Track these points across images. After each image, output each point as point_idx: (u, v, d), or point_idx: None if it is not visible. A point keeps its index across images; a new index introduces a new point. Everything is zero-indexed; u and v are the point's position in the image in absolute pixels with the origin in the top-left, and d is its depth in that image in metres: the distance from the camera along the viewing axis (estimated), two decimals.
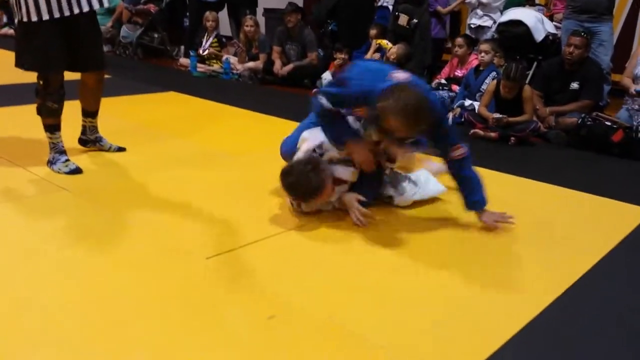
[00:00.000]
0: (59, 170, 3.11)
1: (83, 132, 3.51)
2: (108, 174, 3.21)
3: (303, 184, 2.55)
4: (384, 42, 5.81)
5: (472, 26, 6.00)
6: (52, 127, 3.17)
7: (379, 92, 2.38)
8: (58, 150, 3.18)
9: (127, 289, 2.01)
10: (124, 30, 7.72)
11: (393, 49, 5.58)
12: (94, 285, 2.02)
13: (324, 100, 2.59)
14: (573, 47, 4.63)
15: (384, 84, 2.41)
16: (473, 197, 2.67)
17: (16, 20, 2.95)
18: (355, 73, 2.59)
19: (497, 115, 4.40)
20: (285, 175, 2.61)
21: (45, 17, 2.87)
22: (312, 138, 2.78)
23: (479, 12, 5.91)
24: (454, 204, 2.97)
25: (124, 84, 5.76)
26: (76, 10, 2.94)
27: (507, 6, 5.87)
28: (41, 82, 3.04)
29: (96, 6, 3.02)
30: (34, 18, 2.86)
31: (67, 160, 3.17)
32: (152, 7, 7.64)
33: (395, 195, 2.91)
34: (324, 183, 2.58)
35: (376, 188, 2.88)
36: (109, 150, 3.52)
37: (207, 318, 1.86)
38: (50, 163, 3.16)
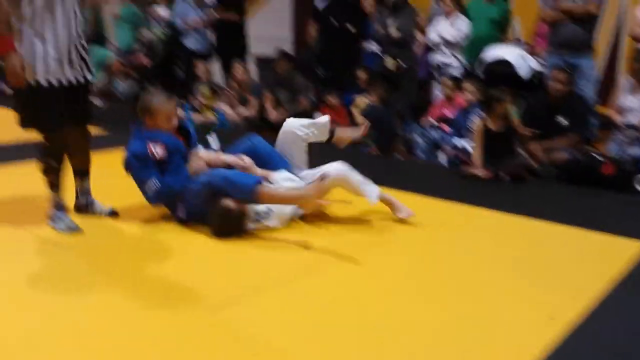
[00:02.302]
0: (59, 229, 3.16)
1: (76, 197, 3.47)
2: (109, 231, 3.25)
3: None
4: (360, 102, 5.95)
5: (439, 64, 6.14)
6: (54, 185, 3.21)
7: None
8: (58, 207, 3.23)
9: (128, 345, 2.05)
10: (118, 83, 7.85)
11: (369, 98, 5.71)
12: (97, 342, 2.06)
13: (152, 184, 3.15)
14: (557, 83, 4.76)
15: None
16: None
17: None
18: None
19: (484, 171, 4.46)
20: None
21: (55, 83, 3.02)
22: None
23: (445, 50, 6.06)
24: (433, 234, 3.04)
25: (120, 138, 5.83)
26: (81, 80, 3.15)
27: (475, 44, 5.99)
28: (43, 142, 3.13)
29: (90, 77, 3.22)
30: (44, 82, 2.99)
31: (67, 218, 3.23)
32: (144, 60, 7.79)
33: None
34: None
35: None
36: (100, 214, 3.43)
37: None
38: (51, 220, 3.22)
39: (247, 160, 3.36)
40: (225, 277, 2.69)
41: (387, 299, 2.50)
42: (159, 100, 3.23)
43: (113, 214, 3.45)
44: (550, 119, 4.84)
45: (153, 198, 3.22)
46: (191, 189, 3.17)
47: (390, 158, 5.41)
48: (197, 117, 6.87)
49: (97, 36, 8.56)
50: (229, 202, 3.07)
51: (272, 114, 6.47)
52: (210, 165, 3.32)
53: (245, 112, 6.66)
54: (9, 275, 2.68)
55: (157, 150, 3.15)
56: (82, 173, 3.44)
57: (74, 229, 3.17)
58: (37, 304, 2.38)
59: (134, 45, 8.03)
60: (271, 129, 6.26)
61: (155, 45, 7.78)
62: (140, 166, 3.15)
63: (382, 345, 2.12)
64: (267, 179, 3.29)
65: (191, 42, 7.60)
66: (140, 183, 3.21)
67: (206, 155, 3.42)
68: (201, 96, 7.03)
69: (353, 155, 5.38)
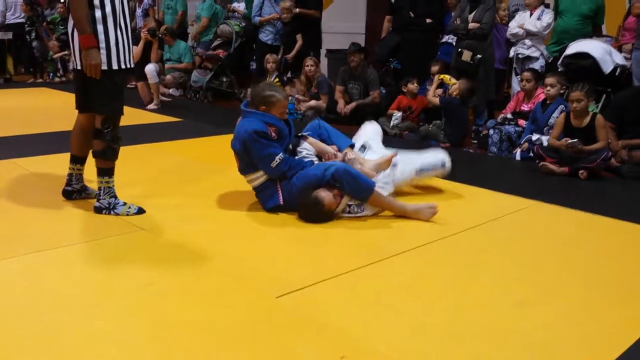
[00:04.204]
0: (127, 214, 3.20)
1: (68, 183, 3.41)
2: (176, 213, 3.30)
3: None
4: (447, 78, 5.84)
5: (520, 56, 5.92)
6: (111, 170, 3.21)
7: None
8: (113, 194, 3.23)
9: (197, 326, 2.07)
10: (195, 75, 8.07)
11: (455, 85, 5.61)
12: (167, 320, 2.11)
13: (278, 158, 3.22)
14: None
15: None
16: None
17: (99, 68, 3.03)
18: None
19: (570, 140, 4.29)
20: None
21: (131, 65, 3.15)
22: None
23: (527, 42, 5.84)
24: (503, 231, 2.93)
25: (195, 127, 6.03)
26: (130, 65, 3.20)
27: (562, 37, 5.73)
28: (111, 126, 3.13)
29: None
30: (123, 65, 3.10)
31: (125, 203, 3.24)
32: (221, 53, 7.97)
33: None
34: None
35: None
36: (93, 196, 3.34)
37: (276, 359, 1.90)
38: (108, 209, 3.20)
39: (338, 155, 3.47)
40: (296, 261, 2.70)
41: (450, 290, 2.45)
42: (279, 96, 3.30)
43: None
44: (638, 116, 4.57)
45: (278, 171, 3.25)
46: (307, 174, 3.24)
47: (462, 151, 5.29)
48: None
49: (182, 31, 8.86)
50: (323, 195, 3.14)
51: (341, 106, 6.48)
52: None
53: (313, 102, 6.69)
54: (94, 259, 2.79)
55: (272, 133, 3.25)
56: (81, 160, 3.39)
57: (141, 211, 3.22)
58: (123, 289, 2.47)
59: (213, 39, 8.25)
60: (339, 120, 6.29)
61: (231, 38, 7.96)
62: (265, 142, 3.21)
63: (439, 332, 2.07)
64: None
65: (266, 36, 7.72)
66: (263, 158, 3.22)
67: (312, 141, 3.50)
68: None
69: (423, 148, 5.32)
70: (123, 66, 3.11)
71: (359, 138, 3.82)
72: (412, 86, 6.03)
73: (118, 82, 3.13)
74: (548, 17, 5.75)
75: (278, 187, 3.29)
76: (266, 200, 3.35)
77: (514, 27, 5.94)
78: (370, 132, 3.90)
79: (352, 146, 3.58)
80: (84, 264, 2.60)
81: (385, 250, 2.81)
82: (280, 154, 3.22)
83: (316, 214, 3.17)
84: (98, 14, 2.98)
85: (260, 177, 3.32)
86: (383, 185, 3.39)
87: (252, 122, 3.25)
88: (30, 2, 10.24)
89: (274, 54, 7.36)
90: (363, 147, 3.73)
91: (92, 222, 3.13)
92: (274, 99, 3.28)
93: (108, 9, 3.00)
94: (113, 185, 3.24)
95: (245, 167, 3.36)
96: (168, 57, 8.03)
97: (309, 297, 2.32)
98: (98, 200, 3.24)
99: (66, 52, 9.61)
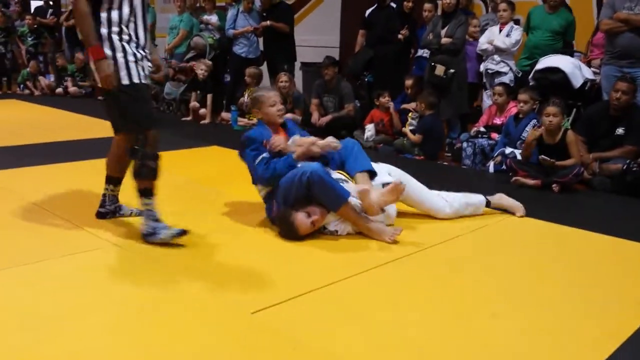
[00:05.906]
0: (170, 236, 2.93)
1: (102, 204, 3.32)
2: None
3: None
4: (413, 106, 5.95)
5: (489, 72, 6.01)
6: (150, 191, 2.97)
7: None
8: (155, 218, 2.96)
9: (174, 345, 2.03)
10: (168, 87, 8.00)
11: (419, 104, 5.67)
12: (140, 336, 2.06)
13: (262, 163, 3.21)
14: (620, 93, 4.58)
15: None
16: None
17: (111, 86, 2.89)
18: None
19: (543, 156, 4.36)
20: None
21: (146, 81, 3.01)
22: None
23: (496, 57, 5.92)
24: (475, 242, 2.94)
25: (167, 140, 5.94)
26: (149, 81, 3.10)
27: (533, 52, 5.80)
28: (140, 142, 2.94)
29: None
30: (137, 80, 2.94)
31: (168, 226, 2.96)
32: (194, 65, 7.91)
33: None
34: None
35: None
36: (130, 216, 3.34)
37: None
38: (150, 235, 2.94)
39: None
40: (273, 276, 2.66)
41: (426, 303, 2.44)
42: (264, 92, 3.42)
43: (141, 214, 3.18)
44: (609, 129, 4.66)
45: (259, 169, 3.22)
46: (286, 182, 3.14)
47: (436, 164, 5.32)
48: (243, 120, 6.94)
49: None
50: (299, 220, 3.06)
51: (316, 118, 6.48)
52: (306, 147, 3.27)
53: (290, 115, 6.65)
54: (66, 276, 2.72)
55: (266, 145, 3.28)
56: (116, 180, 3.32)
57: (182, 232, 2.95)
58: (97, 307, 2.41)
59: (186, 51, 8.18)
60: (313, 133, 6.27)
61: (204, 50, 7.90)
62: (253, 147, 3.26)
63: (415, 346, 2.06)
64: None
65: (240, 48, 7.69)
66: (251, 158, 3.26)
67: (301, 140, 3.33)
68: (248, 100, 7.10)
69: (398, 160, 5.34)
70: (136, 81, 2.93)
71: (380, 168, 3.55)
72: (384, 99, 6.07)
73: (137, 97, 2.95)
74: (517, 33, 5.84)
75: (274, 200, 3.25)
76: (267, 211, 3.36)
77: (483, 42, 6.02)
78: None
79: (371, 173, 3.32)
80: (55, 281, 2.52)
81: (361, 263, 2.79)
82: (265, 154, 3.24)
83: (290, 235, 3.12)
84: (104, 30, 2.88)
85: (264, 188, 3.34)
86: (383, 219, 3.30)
87: (252, 130, 3.40)
88: (5, 14, 10.11)
89: (252, 68, 7.30)
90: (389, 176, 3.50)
91: (64, 237, 3.06)
92: (260, 97, 3.36)
93: (115, 27, 2.90)
94: (153, 208, 2.98)
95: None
96: None
97: (285, 313, 2.28)
98: (144, 225, 3.00)
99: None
